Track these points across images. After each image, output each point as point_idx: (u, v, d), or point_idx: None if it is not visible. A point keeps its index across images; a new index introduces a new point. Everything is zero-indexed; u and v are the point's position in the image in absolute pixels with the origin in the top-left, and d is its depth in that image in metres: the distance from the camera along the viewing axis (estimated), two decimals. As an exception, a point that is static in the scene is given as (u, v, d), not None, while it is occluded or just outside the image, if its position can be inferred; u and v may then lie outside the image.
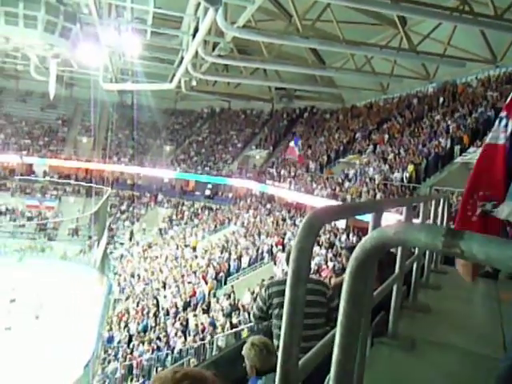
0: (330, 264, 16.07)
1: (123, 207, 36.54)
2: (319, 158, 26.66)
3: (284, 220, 24.02)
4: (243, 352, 2.66)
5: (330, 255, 16.82)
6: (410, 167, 17.63)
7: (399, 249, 2.62)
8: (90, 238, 31.89)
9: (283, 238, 20.94)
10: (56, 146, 38.02)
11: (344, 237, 18.37)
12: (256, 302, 3.51)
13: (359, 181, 20.19)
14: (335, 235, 18.90)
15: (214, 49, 18.94)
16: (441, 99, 22.01)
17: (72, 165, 36.91)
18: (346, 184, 20.89)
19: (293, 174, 26.98)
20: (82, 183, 33.45)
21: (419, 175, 17.28)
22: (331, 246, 17.89)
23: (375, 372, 2.22)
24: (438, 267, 4.66)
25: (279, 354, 1.28)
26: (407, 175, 17.52)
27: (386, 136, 22.79)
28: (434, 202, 4.12)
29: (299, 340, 1.23)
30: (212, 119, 42.10)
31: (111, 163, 36.24)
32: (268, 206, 28.40)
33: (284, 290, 1.23)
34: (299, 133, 34.01)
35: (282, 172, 28.40)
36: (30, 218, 32.75)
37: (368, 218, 1.92)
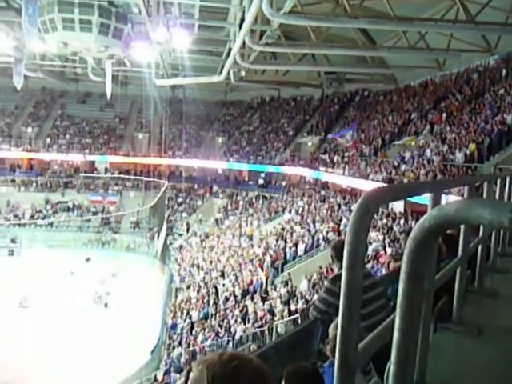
0: (388, 250, 15.67)
1: (180, 199, 37.62)
2: (373, 142, 25.93)
3: (339, 206, 23.69)
4: (330, 332, 2.46)
5: (387, 241, 16.40)
6: (472, 146, 16.69)
7: (462, 229, 2.49)
8: (150, 229, 33.20)
9: (339, 225, 20.68)
10: (115, 143, 39.73)
11: (402, 221, 17.80)
12: (322, 297, 3.42)
13: (416, 163, 19.43)
14: (393, 220, 18.38)
15: (261, 37, 18.88)
16: (504, 72, 20.58)
17: (130, 160, 38.46)
18: (403, 167, 20.18)
19: (346, 159, 26.47)
20: (140, 178, 34.79)
21: (482, 154, 16.33)
22: (389, 231, 17.42)
23: (439, 358, 2.15)
24: (505, 250, 4.40)
25: (337, 337, 1.27)
26: (468, 155, 16.63)
27: (444, 115, 21.71)
28: (499, 182, 3.88)
29: (358, 323, 1.21)
30: (262, 108, 42.11)
31: (167, 157, 37.39)
32: (322, 192, 28.10)
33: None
34: (351, 117, 33.25)
35: (335, 158, 27.93)
36: (94, 213, 34.61)
37: (428, 202, 1.84)
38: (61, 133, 40.08)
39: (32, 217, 33.21)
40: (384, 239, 16.69)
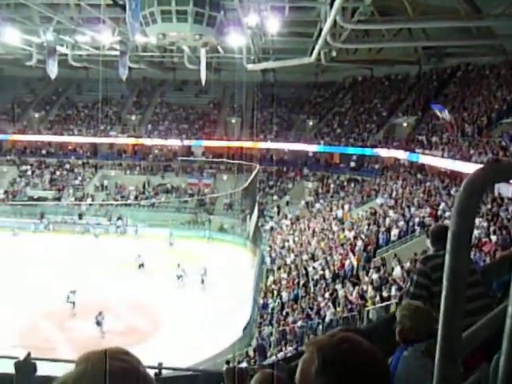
0: (493, 238, 14.48)
1: (271, 182, 38.16)
2: (477, 121, 23.87)
3: (437, 190, 22.32)
4: (396, 313, 2.46)
5: (492, 228, 15.14)
6: None
7: None
8: (242, 211, 34.24)
9: (436, 210, 19.51)
10: (209, 128, 41.41)
11: (511, 208, 16.27)
12: (413, 280, 3.28)
13: (529, 143, 17.58)
14: (499, 205, 16.88)
15: (353, 15, 18.20)
16: None
17: (224, 144, 39.84)
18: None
19: (445, 140, 24.74)
20: (233, 161, 35.94)
21: None
22: (494, 217, 16.04)
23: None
24: None
25: (439, 325, 1.23)
26: None
27: None
28: None
29: (462, 310, 1.17)
30: (354, 89, 40.77)
31: (258, 141, 38.06)
32: (418, 175, 26.66)
33: None
34: (452, 94, 30.89)
35: (434, 139, 26.24)
36: (191, 195, 36.65)
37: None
38: (160, 119, 42.78)
39: (136, 198, 36.13)
40: (488, 226, 15.44)
